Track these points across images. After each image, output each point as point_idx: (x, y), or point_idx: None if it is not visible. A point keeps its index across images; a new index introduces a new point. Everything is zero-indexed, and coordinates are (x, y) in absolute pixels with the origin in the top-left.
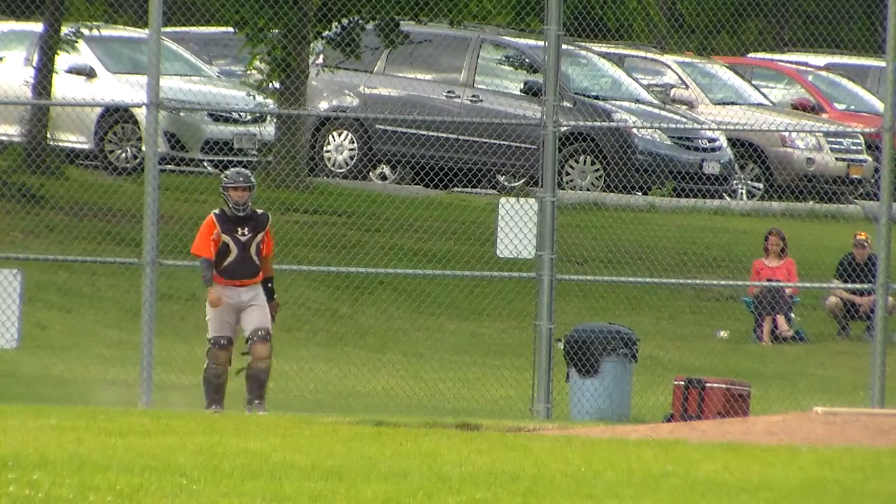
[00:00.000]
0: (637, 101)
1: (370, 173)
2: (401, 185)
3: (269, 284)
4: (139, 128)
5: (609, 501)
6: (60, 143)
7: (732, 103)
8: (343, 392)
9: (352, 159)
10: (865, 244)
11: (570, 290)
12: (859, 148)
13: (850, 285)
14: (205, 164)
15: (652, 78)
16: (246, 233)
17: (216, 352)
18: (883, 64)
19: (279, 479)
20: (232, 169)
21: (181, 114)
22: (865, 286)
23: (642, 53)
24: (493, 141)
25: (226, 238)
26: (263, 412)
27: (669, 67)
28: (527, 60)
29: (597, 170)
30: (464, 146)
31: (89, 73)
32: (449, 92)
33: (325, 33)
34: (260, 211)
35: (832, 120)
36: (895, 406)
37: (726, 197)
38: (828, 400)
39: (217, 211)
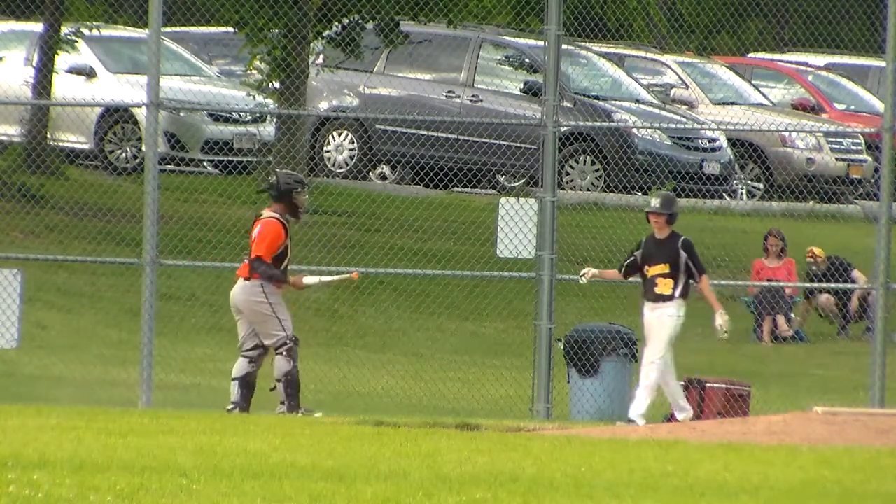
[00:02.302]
0: (637, 101)
1: (370, 173)
2: (401, 185)
3: None
4: (139, 128)
5: (609, 501)
6: (60, 143)
7: (732, 103)
8: (343, 392)
9: (352, 159)
10: (817, 260)
11: (570, 290)
12: (859, 148)
13: (848, 285)
14: (205, 164)
15: (652, 78)
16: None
17: (296, 349)
18: (883, 64)
19: (279, 479)
20: (288, 172)
21: (181, 114)
22: (866, 286)
23: (642, 53)
24: (493, 141)
25: (288, 241)
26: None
27: (669, 67)
28: (527, 60)
29: (597, 170)
30: (464, 146)
31: (89, 73)
32: (449, 92)
33: (326, 33)
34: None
35: (832, 120)
36: (895, 406)
37: (726, 197)
38: (828, 400)
39: (277, 217)
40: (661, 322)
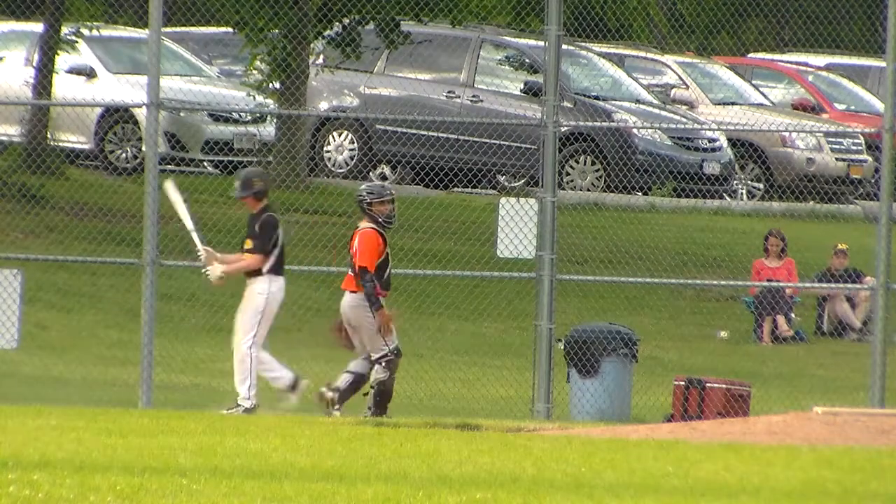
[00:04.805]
0: (637, 101)
1: (370, 173)
2: (401, 185)
3: None
4: (139, 128)
5: (609, 501)
6: (60, 143)
7: (732, 103)
8: None
9: (352, 159)
10: (846, 253)
11: (570, 290)
12: (859, 148)
13: (849, 286)
14: (205, 164)
15: (652, 78)
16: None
17: (398, 361)
18: (883, 64)
19: (279, 479)
20: (369, 184)
21: (181, 114)
22: (865, 287)
23: (642, 53)
24: (493, 141)
25: (387, 250)
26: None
27: (669, 67)
28: (527, 60)
29: (597, 170)
30: (464, 146)
31: (89, 73)
32: (449, 92)
33: (326, 33)
34: None
35: (832, 120)
36: (895, 406)
37: (726, 197)
38: (828, 400)
39: (372, 225)
40: (250, 297)
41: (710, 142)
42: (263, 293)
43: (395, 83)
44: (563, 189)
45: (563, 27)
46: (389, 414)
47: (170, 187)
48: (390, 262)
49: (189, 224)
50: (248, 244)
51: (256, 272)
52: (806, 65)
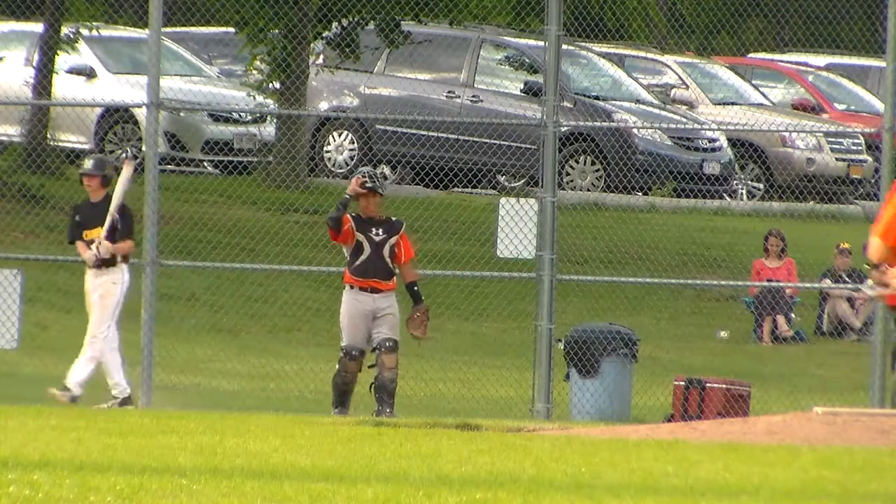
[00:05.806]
0: (637, 101)
1: None
2: (401, 185)
3: (415, 288)
4: (139, 128)
5: (609, 501)
6: (60, 143)
7: (732, 103)
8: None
9: (352, 159)
10: (849, 252)
11: (570, 290)
12: (859, 148)
13: (849, 285)
14: (205, 164)
15: (652, 78)
16: (380, 234)
17: (346, 362)
18: (883, 64)
19: (279, 479)
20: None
21: (181, 114)
22: (867, 286)
23: (642, 53)
24: (493, 141)
25: (360, 236)
26: (393, 417)
27: (669, 67)
28: (527, 60)
29: (597, 170)
30: (464, 146)
31: (89, 73)
32: (449, 92)
33: (325, 34)
34: (395, 218)
35: (832, 120)
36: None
37: (726, 197)
38: (828, 400)
39: (353, 214)
40: (106, 290)
41: (710, 142)
42: (118, 283)
43: (395, 83)
44: (563, 189)
45: (563, 27)
46: (351, 410)
47: (128, 168)
48: (366, 251)
49: (115, 206)
50: (101, 231)
51: (112, 261)
52: (806, 65)
